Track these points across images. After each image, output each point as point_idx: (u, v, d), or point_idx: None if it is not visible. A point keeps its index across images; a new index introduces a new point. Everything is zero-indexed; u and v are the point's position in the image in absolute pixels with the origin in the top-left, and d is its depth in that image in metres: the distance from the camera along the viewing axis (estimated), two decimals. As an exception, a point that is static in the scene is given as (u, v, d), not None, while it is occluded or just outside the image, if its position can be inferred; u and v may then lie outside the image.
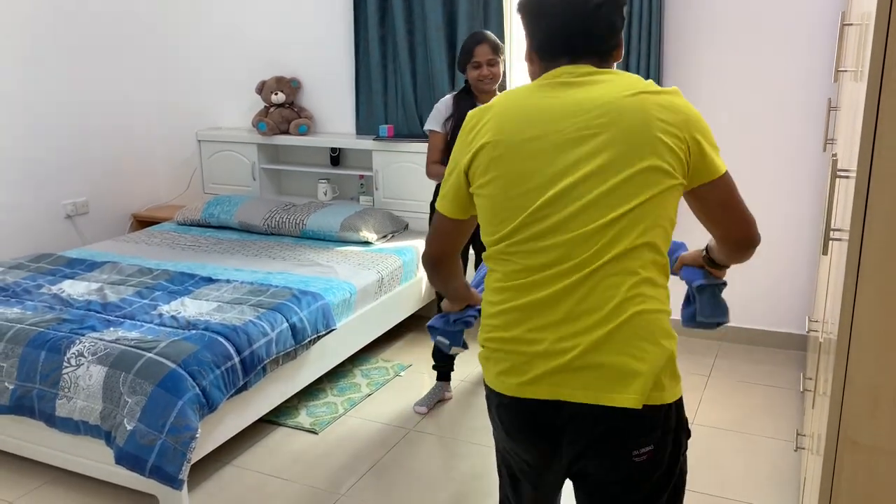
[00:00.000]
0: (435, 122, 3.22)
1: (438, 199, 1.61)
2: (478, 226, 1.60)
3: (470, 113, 1.57)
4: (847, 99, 2.19)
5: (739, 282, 3.53)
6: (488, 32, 3.17)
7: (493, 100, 1.57)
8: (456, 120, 3.15)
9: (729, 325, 3.88)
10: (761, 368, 3.66)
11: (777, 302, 3.85)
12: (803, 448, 2.50)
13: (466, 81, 3.21)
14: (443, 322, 1.88)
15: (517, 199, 1.43)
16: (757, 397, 3.37)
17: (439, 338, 1.90)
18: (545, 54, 1.52)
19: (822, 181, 3.62)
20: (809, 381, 2.55)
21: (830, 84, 3.52)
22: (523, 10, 1.55)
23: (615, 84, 1.44)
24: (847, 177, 1.52)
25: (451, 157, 1.58)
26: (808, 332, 2.49)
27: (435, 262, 1.71)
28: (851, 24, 2.21)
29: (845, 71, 2.28)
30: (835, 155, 1.61)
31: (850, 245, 1.28)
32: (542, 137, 1.42)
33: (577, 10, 1.46)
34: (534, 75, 1.56)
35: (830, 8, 3.47)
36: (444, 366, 3.39)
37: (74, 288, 3.29)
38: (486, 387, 1.55)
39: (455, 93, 3.26)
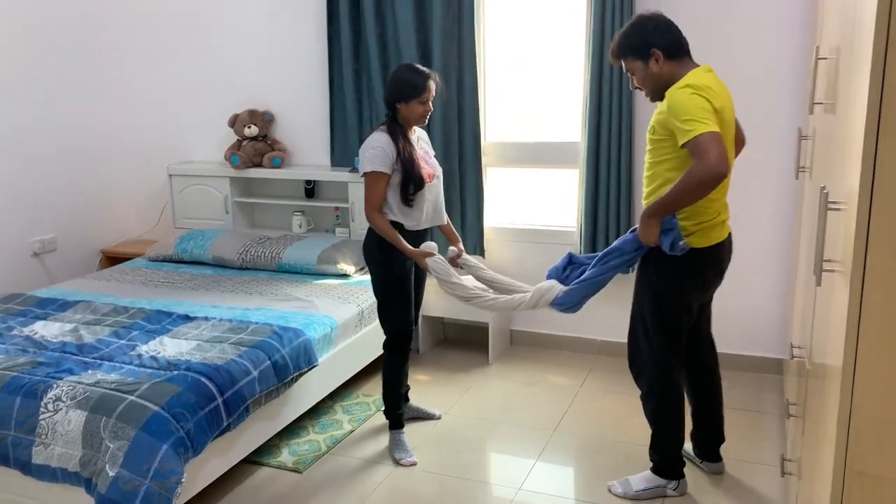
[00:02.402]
0: (382, 163, 2.95)
1: (708, 125, 2.35)
2: None
3: (695, 83, 2.44)
4: (824, 131, 2.25)
5: (713, 306, 3.57)
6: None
7: (700, 78, 2.47)
8: (404, 159, 2.96)
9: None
10: (737, 393, 3.69)
11: (751, 326, 3.91)
12: (790, 474, 2.53)
13: (392, 115, 3.02)
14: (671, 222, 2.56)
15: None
16: (736, 422, 3.40)
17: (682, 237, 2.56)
18: (676, 54, 2.55)
19: (794, 207, 3.70)
20: (794, 406, 2.58)
21: (798, 112, 3.62)
22: (653, 27, 2.54)
23: None
24: (838, 209, 1.56)
25: (700, 100, 2.39)
26: (792, 357, 2.52)
27: (726, 176, 2.38)
28: (826, 58, 2.27)
29: (820, 103, 2.34)
30: (824, 188, 1.65)
31: (852, 280, 1.31)
32: (731, 113, 2.60)
33: (674, 24, 2.58)
34: (660, 73, 2.55)
35: (797, 37, 3.58)
36: (396, 412, 3.27)
37: (47, 329, 3.21)
38: (711, 247, 2.63)
39: (384, 130, 3.01)
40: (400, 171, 2.98)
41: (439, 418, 3.52)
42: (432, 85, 3.01)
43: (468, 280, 3.08)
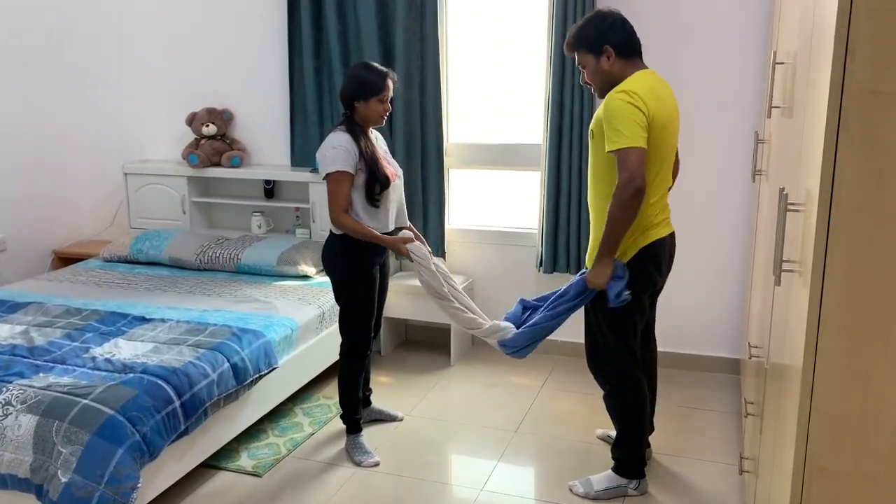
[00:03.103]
0: (345, 162, 2.87)
1: (634, 139, 2.42)
2: None
3: (633, 89, 2.47)
4: (781, 134, 2.29)
5: (669, 308, 3.62)
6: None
7: (639, 84, 2.50)
8: (367, 158, 2.91)
9: (661, 350, 3.96)
10: (693, 392, 3.75)
11: (708, 326, 3.97)
12: (748, 471, 2.57)
13: (349, 115, 2.98)
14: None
15: (665, 151, 2.60)
16: (693, 421, 3.45)
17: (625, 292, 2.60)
18: (628, 54, 2.59)
19: (750, 210, 3.77)
20: (752, 405, 2.63)
21: (754, 116, 3.68)
22: (609, 24, 2.58)
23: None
24: (798, 210, 1.59)
25: (633, 112, 2.44)
26: (750, 356, 2.56)
27: (644, 190, 2.44)
28: (783, 63, 2.32)
29: (778, 107, 2.38)
30: (784, 189, 1.68)
31: (812, 280, 1.33)
32: (674, 117, 2.63)
33: (630, 23, 2.62)
34: (611, 70, 2.59)
35: (753, 42, 3.64)
36: (354, 417, 3.24)
37: (-4, 331, 3.11)
38: (648, 245, 2.63)
39: (343, 130, 2.95)
40: (364, 171, 2.92)
41: (401, 420, 3.50)
42: (391, 83, 2.98)
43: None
